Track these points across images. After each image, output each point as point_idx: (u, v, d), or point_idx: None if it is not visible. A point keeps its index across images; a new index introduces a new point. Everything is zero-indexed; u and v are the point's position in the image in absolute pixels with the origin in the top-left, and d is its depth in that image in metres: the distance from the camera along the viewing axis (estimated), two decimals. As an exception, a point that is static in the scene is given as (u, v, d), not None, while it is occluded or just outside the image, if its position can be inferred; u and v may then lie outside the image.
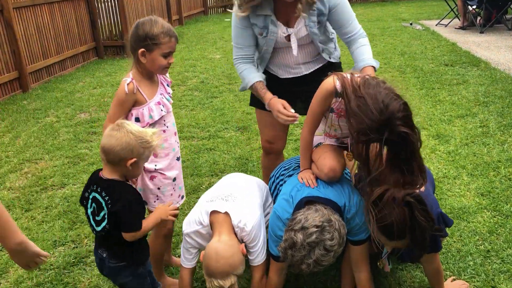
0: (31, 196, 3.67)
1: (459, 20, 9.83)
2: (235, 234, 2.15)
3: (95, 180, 1.97)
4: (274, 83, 2.61)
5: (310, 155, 2.29)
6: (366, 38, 2.52)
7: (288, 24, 2.45)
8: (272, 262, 2.24)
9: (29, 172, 4.09)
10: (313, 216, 1.92)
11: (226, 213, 2.14)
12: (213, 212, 2.15)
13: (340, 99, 2.03)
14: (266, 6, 2.37)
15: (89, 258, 2.87)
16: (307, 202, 2.07)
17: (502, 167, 3.64)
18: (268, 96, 2.45)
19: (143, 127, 2.13)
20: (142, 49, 2.18)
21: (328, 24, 2.54)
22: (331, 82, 2.04)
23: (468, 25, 9.56)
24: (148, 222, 2.01)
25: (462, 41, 8.30)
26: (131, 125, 1.94)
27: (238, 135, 4.70)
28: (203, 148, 4.40)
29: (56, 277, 2.71)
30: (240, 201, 2.23)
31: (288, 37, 2.46)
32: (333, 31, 2.62)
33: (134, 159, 1.90)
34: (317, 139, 2.34)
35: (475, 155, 3.88)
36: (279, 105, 2.35)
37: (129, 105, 2.23)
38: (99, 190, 1.94)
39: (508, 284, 2.43)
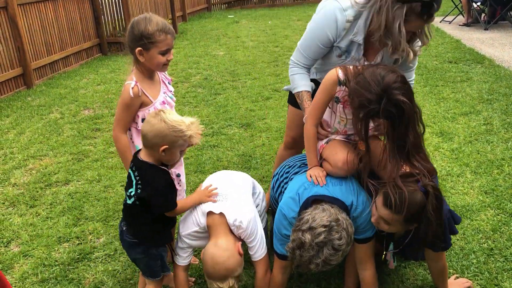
0: (35, 192, 3.69)
1: (463, 17, 9.78)
2: (232, 232, 2.16)
3: (133, 159, 2.12)
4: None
5: (316, 149, 2.29)
6: (413, 71, 2.51)
7: (367, 53, 2.36)
8: (276, 260, 2.25)
9: (33, 168, 4.11)
10: (320, 216, 1.92)
11: (221, 214, 2.15)
12: (209, 214, 2.16)
13: (344, 87, 2.06)
14: (361, 33, 2.27)
15: (94, 254, 2.89)
16: (313, 201, 2.07)
17: (506, 165, 3.63)
18: (309, 112, 2.43)
19: None
20: (139, 48, 2.19)
21: None
22: (334, 72, 2.10)
23: (473, 22, 9.51)
24: (186, 201, 2.18)
25: (466, 38, 8.27)
26: (167, 114, 2.01)
27: (242, 132, 4.71)
28: (206, 145, 4.41)
29: (61, 273, 2.72)
30: (232, 199, 2.23)
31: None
32: None
33: (166, 146, 1.99)
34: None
35: (478, 153, 3.87)
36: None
37: (136, 108, 2.26)
38: (134, 169, 2.09)
39: (511, 282, 2.43)
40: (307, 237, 1.88)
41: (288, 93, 2.86)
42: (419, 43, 2.28)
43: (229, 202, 2.21)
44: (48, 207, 3.47)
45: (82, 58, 8.15)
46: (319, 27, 2.33)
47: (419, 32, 2.20)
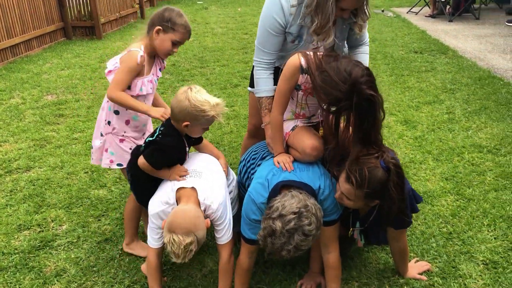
0: (-6, 179, 3.57)
1: (429, 8, 9.98)
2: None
3: (166, 120, 2.33)
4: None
5: (282, 137, 2.31)
6: (368, 46, 2.56)
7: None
8: (243, 244, 2.26)
9: (-8, 154, 3.97)
10: (290, 203, 1.94)
11: (193, 188, 2.15)
12: (179, 189, 2.17)
13: (306, 76, 2.07)
14: (308, 16, 2.30)
15: (56, 242, 2.82)
16: (283, 186, 2.09)
17: (466, 152, 3.75)
18: (266, 120, 2.48)
19: (132, 96, 2.42)
20: (159, 27, 2.39)
21: None
22: (296, 58, 2.10)
23: (438, 14, 9.71)
24: (161, 171, 2.29)
25: (431, 29, 8.44)
26: (194, 92, 2.19)
27: (209, 119, 4.67)
28: (173, 132, 4.35)
29: (21, 261, 2.65)
30: (205, 179, 2.24)
31: (316, 48, 2.43)
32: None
33: (188, 123, 2.20)
34: (289, 124, 2.36)
35: (441, 141, 3.98)
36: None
37: (136, 74, 2.42)
38: (161, 125, 2.32)
39: (468, 265, 2.52)
40: (278, 224, 1.90)
41: (249, 78, 2.84)
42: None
43: (202, 180, 2.22)
44: (8, 194, 3.37)
45: (45, 42, 7.88)
46: (267, 15, 2.37)
47: (358, 10, 2.29)
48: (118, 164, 2.58)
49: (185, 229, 2.00)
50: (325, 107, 1.96)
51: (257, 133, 2.89)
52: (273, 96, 2.46)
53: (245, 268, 2.29)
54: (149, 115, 2.45)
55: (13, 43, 6.97)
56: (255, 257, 2.32)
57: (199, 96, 2.16)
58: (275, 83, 2.39)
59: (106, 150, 2.56)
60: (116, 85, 2.38)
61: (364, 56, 2.59)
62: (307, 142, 2.20)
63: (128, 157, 2.50)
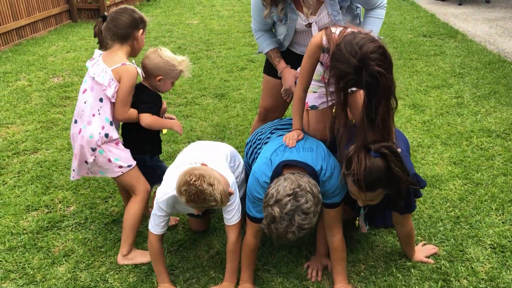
0: (2, 160, 3.58)
1: (439, -9, 9.82)
2: None
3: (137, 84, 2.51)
4: (292, 58, 2.62)
5: (301, 113, 2.30)
6: (383, 10, 2.48)
7: (303, 11, 2.36)
8: (248, 223, 2.27)
9: (0, 136, 3.98)
10: (283, 186, 1.94)
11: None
12: None
13: (327, 55, 2.06)
14: None
15: (63, 223, 2.84)
16: (285, 166, 2.09)
17: (475, 136, 3.71)
18: (282, 66, 2.57)
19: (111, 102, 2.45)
20: (142, 30, 2.48)
21: (353, 4, 2.49)
22: (319, 37, 2.11)
23: (447, -3, 9.55)
24: (161, 120, 2.59)
25: (440, 13, 8.32)
26: (163, 51, 2.52)
27: (216, 102, 4.65)
28: (180, 115, 4.34)
29: (29, 241, 2.67)
30: (210, 165, 2.23)
31: (309, 25, 2.41)
32: (358, 5, 2.55)
33: (161, 77, 2.51)
34: (313, 98, 2.36)
35: (449, 125, 3.94)
36: (290, 81, 2.52)
37: None
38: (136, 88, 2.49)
39: (475, 249, 2.52)
40: (276, 210, 1.91)
41: (264, 62, 2.84)
42: None
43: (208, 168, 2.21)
44: (16, 175, 3.38)
45: (51, 25, 7.85)
46: None
47: None
48: (129, 166, 2.50)
49: (206, 176, 2.04)
50: (335, 81, 1.94)
51: (266, 116, 2.88)
52: (276, 48, 2.62)
53: (251, 248, 2.29)
54: (173, 129, 2.61)
55: (19, 25, 6.95)
56: (261, 236, 2.31)
57: (168, 53, 2.53)
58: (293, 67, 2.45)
59: (110, 160, 2.46)
60: (126, 106, 2.44)
61: (372, 20, 2.49)
62: (317, 125, 2.29)
63: (128, 154, 2.51)
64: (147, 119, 2.49)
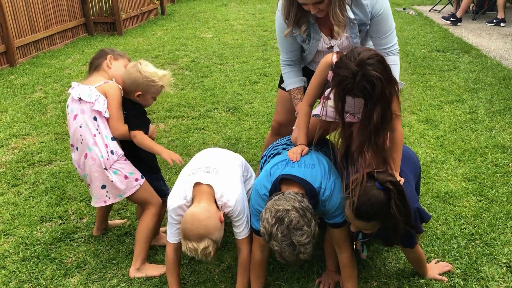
0: (17, 171, 3.63)
1: (452, 6, 9.80)
2: (216, 205, 2.17)
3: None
4: (308, 76, 2.60)
5: (306, 128, 2.31)
6: (398, 56, 2.47)
7: (331, 34, 2.40)
8: (255, 237, 2.26)
9: (16, 147, 4.04)
10: (266, 220, 1.94)
11: (209, 186, 2.16)
12: (196, 184, 2.18)
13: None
14: (308, 15, 2.32)
15: (76, 234, 2.86)
16: (282, 180, 2.10)
17: (489, 153, 3.68)
18: (298, 108, 2.52)
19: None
20: (111, 55, 2.56)
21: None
22: (330, 56, 2.15)
23: (461, 12, 9.53)
24: (155, 144, 2.52)
25: (454, 27, 8.29)
26: (144, 66, 2.46)
27: (229, 115, 4.68)
28: (192, 128, 4.38)
29: (43, 252, 2.70)
30: (222, 175, 2.25)
31: (330, 47, 2.44)
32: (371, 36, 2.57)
33: (140, 92, 2.47)
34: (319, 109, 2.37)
35: (463, 141, 3.91)
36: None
37: None
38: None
39: (490, 267, 2.48)
40: (274, 244, 1.93)
41: (279, 77, 2.86)
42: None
43: (219, 177, 2.22)
44: (31, 186, 3.43)
45: (67, 38, 7.99)
46: (277, 18, 2.45)
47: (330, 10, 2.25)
48: (142, 176, 2.54)
49: (197, 235, 2.04)
50: (335, 88, 1.97)
51: (279, 131, 2.88)
52: (301, 87, 2.59)
53: (258, 262, 2.28)
54: (161, 155, 2.51)
55: (36, 38, 7.09)
56: (268, 250, 2.29)
57: (149, 68, 2.46)
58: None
59: (126, 177, 2.47)
60: (119, 120, 2.46)
61: (395, 67, 2.44)
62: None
63: (135, 168, 2.53)
64: (136, 137, 2.48)
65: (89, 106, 2.40)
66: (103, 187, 2.46)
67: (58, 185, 3.41)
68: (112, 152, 2.44)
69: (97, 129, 2.42)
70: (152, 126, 2.61)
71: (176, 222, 2.22)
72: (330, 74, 2.14)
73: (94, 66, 2.56)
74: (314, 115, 2.36)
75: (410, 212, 1.99)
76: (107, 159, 2.42)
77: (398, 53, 2.48)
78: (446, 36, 7.60)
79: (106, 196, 2.48)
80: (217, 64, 6.50)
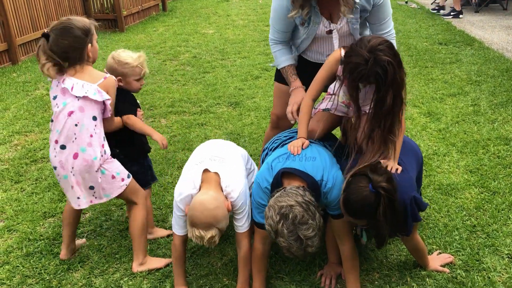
0: (20, 168, 3.65)
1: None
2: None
3: None
4: (303, 66, 2.64)
5: (308, 121, 2.31)
6: (394, 40, 2.49)
7: (331, 18, 2.41)
8: (256, 230, 2.26)
9: (18, 144, 4.06)
10: (271, 218, 1.94)
11: (216, 173, 2.17)
12: (204, 172, 2.19)
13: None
14: None
15: (79, 229, 2.88)
16: (283, 173, 2.10)
17: (491, 145, 3.67)
18: (296, 84, 2.53)
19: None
20: (89, 44, 2.31)
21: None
22: (338, 51, 2.18)
23: (464, 4, 9.48)
24: (146, 126, 2.61)
25: (456, 20, 8.25)
26: (117, 52, 2.56)
27: (230, 110, 4.68)
28: (194, 123, 4.38)
29: (46, 247, 2.71)
30: (228, 165, 2.25)
31: (329, 31, 2.43)
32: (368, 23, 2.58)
33: (119, 77, 2.51)
34: (326, 103, 2.39)
35: (465, 133, 3.90)
36: (298, 98, 2.44)
37: None
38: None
39: (492, 258, 2.47)
40: (282, 240, 1.93)
41: (275, 70, 2.86)
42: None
43: (226, 167, 2.23)
44: (34, 182, 3.44)
45: (69, 35, 7.99)
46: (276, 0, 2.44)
47: None
48: (128, 176, 2.48)
49: (206, 223, 2.03)
50: (348, 76, 2.00)
51: (278, 124, 2.88)
52: (294, 64, 2.59)
53: (259, 255, 2.28)
54: (152, 137, 2.59)
55: (38, 36, 7.09)
56: (270, 243, 2.30)
57: (122, 53, 2.55)
58: (308, 78, 2.43)
59: (114, 176, 2.41)
60: (113, 115, 2.46)
61: None
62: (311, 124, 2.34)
63: (121, 166, 2.47)
64: (130, 119, 2.55)
65: (94, 105, 2.31)
66: (91, 188, 2.39)
67: (61, 181, 3.42)
68: (105, 152, 2.39)
69: (94, 129, 2.33)
70: (139, 112, 2.65)
71: (183, 214, 2.20)
72: (339, 69, 2.14)
73: (76, 57, 2.28)
74: (325, 110, 2.36)
75: (399, 220, 2.03)
76: (100, 159, 2.35)
77: (394, 37, 2.51)
78: (449, 29, 7.56)
79: (93, 196, 2.42)
80: (219, 59, 6.49)
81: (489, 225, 2.74)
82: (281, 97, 2.80)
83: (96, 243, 2.75)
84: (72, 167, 2.32)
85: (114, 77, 2.42)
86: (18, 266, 2.58)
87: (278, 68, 2.64)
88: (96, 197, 2.43)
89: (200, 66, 6.17)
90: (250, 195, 2.32)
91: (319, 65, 2.48)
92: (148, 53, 6.86)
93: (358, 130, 2.16)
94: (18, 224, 2.95)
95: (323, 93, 2.42)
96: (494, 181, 3.17)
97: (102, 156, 2.36)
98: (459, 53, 6.21)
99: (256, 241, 2.28)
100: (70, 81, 2.29)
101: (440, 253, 2.52)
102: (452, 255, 2.51)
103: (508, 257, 2.49)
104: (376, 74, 1.91)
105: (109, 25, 8.68)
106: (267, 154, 2.49)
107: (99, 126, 2.36)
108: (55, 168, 2.37)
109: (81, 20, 2.31)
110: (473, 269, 2.41)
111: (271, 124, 2.98)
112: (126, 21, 8.79)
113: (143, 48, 7.17)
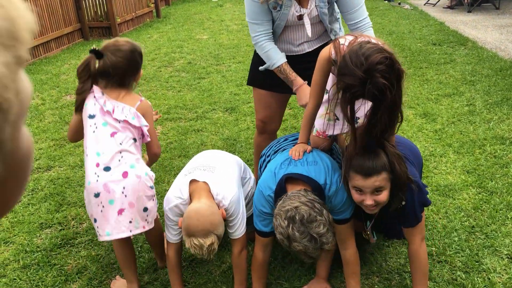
0: (16, 179, 3.62)
1: (448, -1, 9.81)
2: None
3: None
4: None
5: (309, 129, 2.29)
6: (371, 30, 2.43)
7: (301, 3, 2.39)
8: (257, 238, 2.25)
9: (14, 155, 4.04)
10: (280, 225, 1.91)
11: (205, 183, 2.15)
12: (192, 182, 2.16)
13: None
14: None
15: (76, 239, 2.86)
16: (287, 179, 2.08)
17: (488, 144, 3.67)
18: (299, 82, 2.45)
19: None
20: (141, 69, 2.35)
21: (335, 4, 2.49)
22: (327, 50, 2.05)
23: (456, 5, 9.53)
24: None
25: (450, 21, 8.29)
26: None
27: (226, 116, 4.68)
28: (190, 129, 4.37)
29: (43, 259, 2.69)
30: (218, 174, 2.24)
31: (299, 16, 2.42)
32: (338, 11, 2.55)
33: None
34: (321, 123, 2.32)
35: (461, 133, 3.90)
36: (307, 98, 2.36)
37: None
38: None
39: (491, 259, 2.47)
40: (296, 245, 1.88)
41: (248, 75, 2.81)
42: None
43: (216, 176, 2.21)
44: (30, 193, 3.42)
45: (63, 43, 7.99)
46: None
47: None
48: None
49: (203, 231, 2.00)
50: (342, 93, 1.89)
51: (264, 129, 2.86)
52: (286, 61, 2.50)
53: (259, 262, 2.27)
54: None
55: (32, 45, 7.06)
56: (270, 250, 2.29)
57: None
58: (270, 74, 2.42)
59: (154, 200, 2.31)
60: (155, 135, 2.36)
61: None
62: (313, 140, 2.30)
63: None
64: None
65: (133, 129, 2.21)
66: (145, 209, 2.19)
67: (57, 191, 3.41)
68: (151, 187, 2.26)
69: (136, 150, 2.23)
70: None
71: (174, 223, 2.20)
72: (333, 69, 2.05)
73: (126, 82, 2.25)
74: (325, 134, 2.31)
75: (406, 169, 1.99)
76: (148, 190, 2.21)
77: (371, 27, 2.43)
78: (442, 29, 7.59)
79: (146, 220, 2.21)
80: (214, 65, 6.49)
81: (488, 226, 2.73)
82: (260, 101, 2.78)
83: (93, 254, 2.73)
84: (124, 187, 2.12)
85: (149, 103, 2.34)
86: (15, 279, 2.56)
87: (273, 68, 2.50)
88: (148, 222, 2.23)
89: (195, 72, 6.17)
90: (248, 204, 2.31)
91: (289, 57, 2.48)
92: (143, 60, 6.84)
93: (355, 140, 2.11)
94: (15, 236, 2.93)
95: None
96: (492, 181, 3.17)
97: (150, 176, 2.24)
98: (453, 53, 6.23)
99: (256, 249, 2.27)
100: (110, 103, 2.19)
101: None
102: (451, 256, 2.50)
103: (508, 257, 2.48)
104: (373, 95, 1.77)
105: (103, 32, 8.67)
106: (264, 160, 2.48)
107: (139, 149, 2.27)
108: (97, 195, 2.11)
109: (136, 43, 2.29)
110: (473, 271, 2.41)
111: (257, 130, 2.94)
112: (120, 28, 8.79)
113: (138, 55, 7.16)
